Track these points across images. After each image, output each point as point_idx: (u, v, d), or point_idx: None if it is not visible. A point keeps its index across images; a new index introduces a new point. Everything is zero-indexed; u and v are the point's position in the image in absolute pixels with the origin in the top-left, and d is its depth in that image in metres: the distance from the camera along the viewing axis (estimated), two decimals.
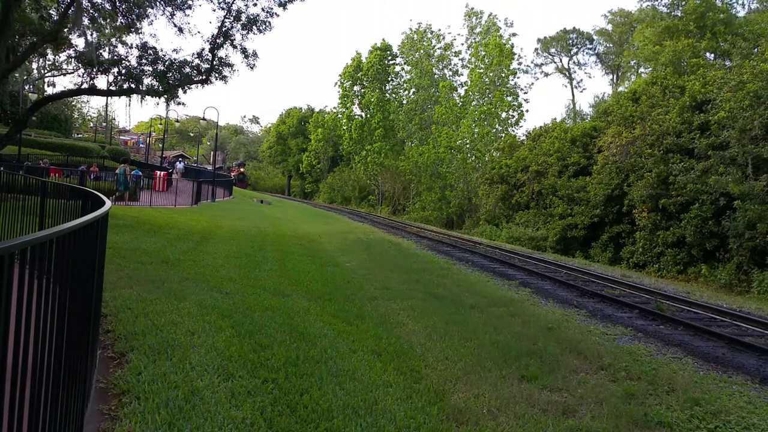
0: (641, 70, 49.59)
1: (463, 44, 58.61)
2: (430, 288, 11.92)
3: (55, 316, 3.03)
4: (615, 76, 64.64)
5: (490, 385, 5.79)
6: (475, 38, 55.01)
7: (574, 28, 66.50)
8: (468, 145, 50.88)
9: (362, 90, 69.93)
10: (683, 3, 36.77)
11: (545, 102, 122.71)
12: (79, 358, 3.66)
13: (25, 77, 31.76)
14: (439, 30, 62.78)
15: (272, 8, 18.95)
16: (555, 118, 45.72)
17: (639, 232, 26.82)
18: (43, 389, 2.69)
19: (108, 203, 4.77)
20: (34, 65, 37.58)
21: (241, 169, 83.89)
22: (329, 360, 5.77)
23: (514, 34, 52.71)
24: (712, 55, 36.67)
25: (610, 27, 63.19)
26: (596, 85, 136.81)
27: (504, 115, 50.78)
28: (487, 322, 8.91)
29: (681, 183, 24.06)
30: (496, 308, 10.37)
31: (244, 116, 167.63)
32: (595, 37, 65.74)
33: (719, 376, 7.62)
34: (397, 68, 68.41)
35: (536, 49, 68.34)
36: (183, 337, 5.71)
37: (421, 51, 62.53)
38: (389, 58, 68.55)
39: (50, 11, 20.32)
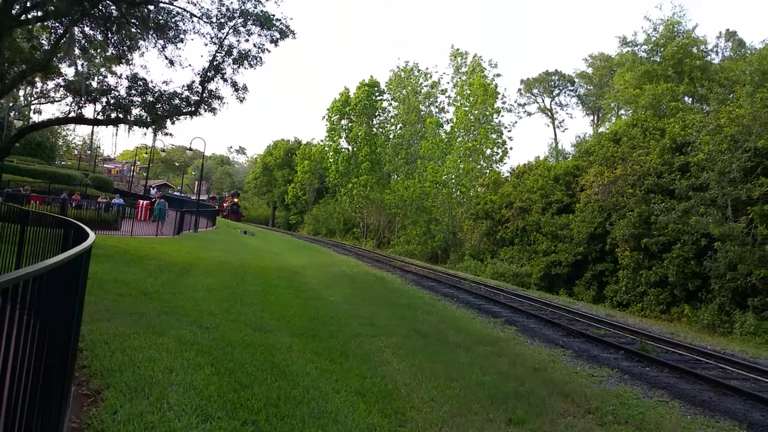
0: (621, 111, 50.77)
1: (449, 82, 59.73)
2: (416, 325, 11.77)
3: (32, 353, 2.91)
4: (596, 117, 66.05)
5: (476, 429, 5.67)
6: (460, 77, 56.08)
7: (555, 70, 68.26)
8: (453, 180, 51.33)
9: (350, 124, 70.59)
10: (662, 49, 37.92)
11: (528, 140, 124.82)
12: (53, 396, 3.51)
13: (11, 104, 31.58)
14: (426, 68, 64.19)
15: (264, 44, 19.13)
16: (538, 156, 46.57)
17: (622, 270, 27.01)
18: (15, 429, 2.55)
19: (92, 235, 4.65)
20: (21, 92, 37.42)
21: (235, 200, 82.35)
22: (311, 401, 5.61)
23: (498, 75, 53.82)
24: (691, 99, 37.73)
25: (590, 70, 64.94)
26: (577, 125, 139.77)
27: (488, 151, 51.50)
28: (474, 361, 8.79)
29: (663, 223, 24.37)
30: (482, 347, 10.25)
31: (231, 147, 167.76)
32: (576, 80, 67.46)
33: (706, 420, 7.56)
34: (385, 104, 69.39)
35: (519, 89, 69.88)
36: (161, 374, 5.52)
37: (409, 88, 63.57)
38: (377, 93, 69.48)
39: (41, 40, 20.31)
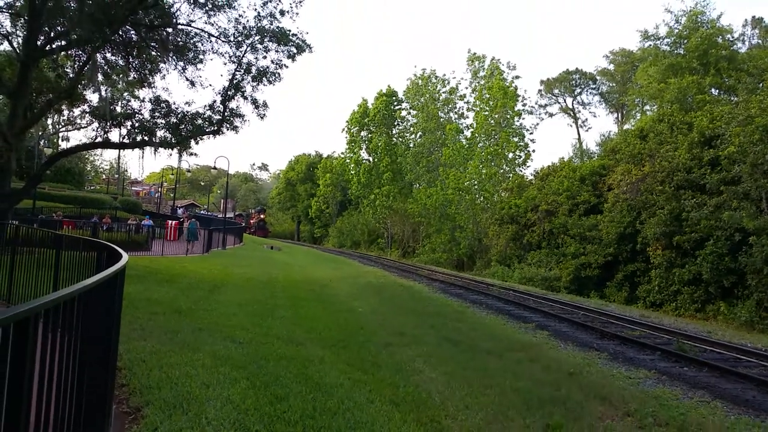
0: (646, 107, 50.01)
1: (467, 88, 59.62)
2: (446, 333, 11.71)
3: (74, 373, 2.98)
4: (620, 114, 65.12)
5: None
6: (479, 81, 55.94)
7: (576, 68, 67.46)
8: (476, 186, 51.08)
9: (369, 135, 70.90)
10: (685, 41, 37.27)
11: (551, 142, 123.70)
12: (96, 414, 3.58)
13: (40, 133, 32.46)
14: (444, 75, 64.11)
15: (281, 60, 19.38)
16: (562, 158, 45.99)
17: (654, 270, 26.49)
18: None
19: (125, 256, 4.75)
20: (50, 121, 38.46)
21: (261, 216, 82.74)
22: (347, 411, 5.62)
23: (517, 77, 53.49)
24: (717, 90, 36.92)
25: (612, 67, 64.00)
26: (601, 123, 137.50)
27: (511, 155, 51.11)
28: (507, 367, 8.70)
29: (694, 219, 23.87)
30: (514, 353, 10.15)
31: (254, 164, 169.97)
32: (597, 77, 66.56)
33: (752, 420, 7.34)
34: (404, 113, 69.56)
35: (540, 90, 69.24)
36: (198, 389, 5.59)
37: (427, 95, 63.60)
38: (395, 103, 69.74)
39: (66, 69, 20.89)
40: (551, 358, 10.13)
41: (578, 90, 68.41)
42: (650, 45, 41.34)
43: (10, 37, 18.82)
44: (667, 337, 14.00)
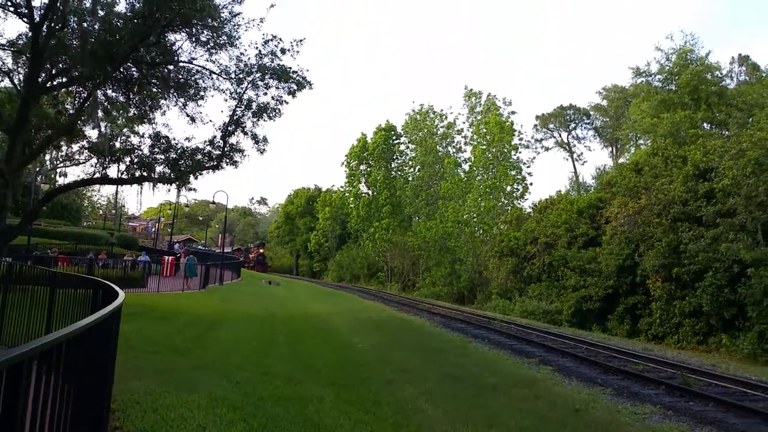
0: (640, 141, 50.47)
1: (464, 122, 60.33)
2: (448, 369, 11.51)
3: (67, 416, 2.88)
4: (614, 148, 65.75)
5: None
6: (476, 117, 56.63)
7: (570, 104, 68.56)
8: (475, 219, 51.15)
9: (368, 168, 71.35)
10: (676, 78, 37.88)
11: (548, 175, 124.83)
12: None
13: (38, 168, 32.53)
14: (441, 110, 64.79)
15: (282, 96, 19.55)
16: (560, 190, 46.26)
17: (655, 302, 26.29)
18: None
19: (121, 294, 4.67)
20: (47, 156, 38.60)
21: (261, 250, 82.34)
22: None
23: (513, 112, 54.25)
24: (709, 125, 37.38)
25: (605, 102, 65.01)
26: (597, 157, 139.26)
27: (509, 188, 51.37)
28: (511, 404, 8.51)
29: (692, 251, 23.81)
30: (518, 389, 9.95)
31: (252, 198, 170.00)
32: (591, 112, 67.52)
33: None
34: (402, 147, 70.13)
35: (535, 125, 70.07)
36: None
37: (425, 130, 64.26)
38: (394, 137, 70.41)
39: (66, 105, 21.05)
40: (556, 394, 9.93)
41: (573, 125, 69.29)
42: (642, 81, 41.98)
43: (11, 74, 19.01)
44: (671, 370, 13.79)
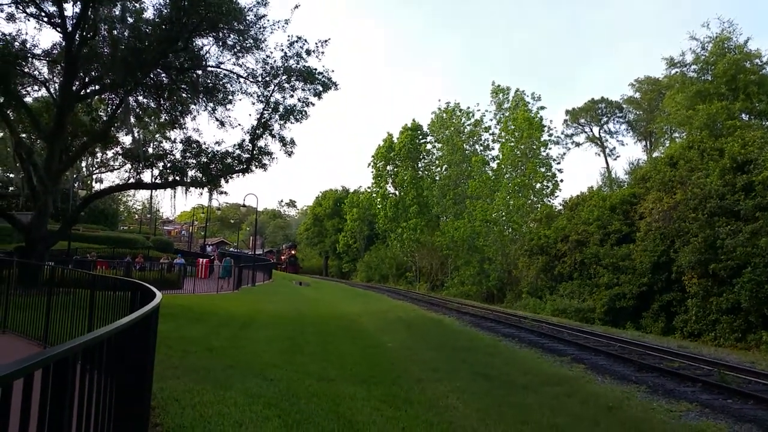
0: (675, 134, 49.31)
1: (492, 120, 59.79)
2: (479, 367, 11.49)
3: (110, 412, 3.00)
4: (648, 142, 64.34)
5: None
6: (503, 113, 56.06)
7: (602, 97, 67.14)
8: (504, 218, 50.69)
9: (395, 169, 71.35)
10: (712, 67, 36.87)
11: (579, 171, 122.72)
12: None
13: (75, 175, 33.45)
14: (468, 107, 64.36)
15: (308, 98, 19.79)
16: (591, 187, 45.49)
17: (691, 299, 25.73)
18: None
19: (159, 295, 4.82)
20: (83, 163, 39.68)
21: (292, 252, 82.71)
22: None
23: (542, 107, 53.22)
24: (748, 116, 36.29)
25: (638, 95, 63.54)
26: (629, 151, 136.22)
27: (538, 186, 50.73)
28: (543, 402, 8.47)
29: (730, 247, 23.23)
30: (550, 387, 9.89)
31: (281, 200, 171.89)
32: (624, 106, 66.07)
33: None
34: (429, 146, 69.89)
35: (565, 120, 68.96)
36: (231, 428, 5.57)
37: (451, 128, 63.92)
38: (420, 136, 70.22)
39: (99, 113, 21.65)
40: (589, 392, 9.83)
41: (604, 119, 67.97)
42: (676, 72, 40.97)
43: (47, 83, 19.67)
44: (707, 368, 13.51)
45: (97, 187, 45.07)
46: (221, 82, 19.81)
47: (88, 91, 19.37)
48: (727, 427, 8.24)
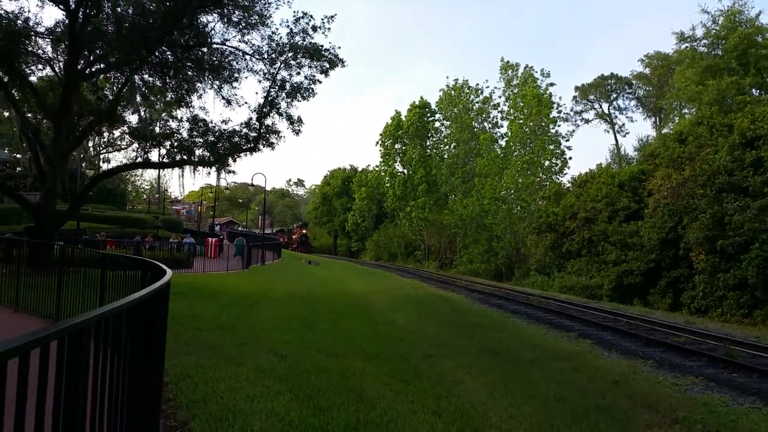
0: (684, 110, 48.70)
1: (500, 97, 59.26)
2: (486, 343, 11.60)
3: (123, 387, 3.07)
4: (657, 118, 63.62)
5: None
6: (512, 90, 55.53)
7: (611, 73, 66.34)
8: (512, 196, 50.58)
9: (403, 147, 71.08)
10: (723, 42, 36.26)
11: (588, 148, 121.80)
12: (144, 428, 3.67)
13: (82, 155, 33.59)
14: (477, 84, 63.69)
15: (315, 75, 19.66)
16: (600, 164, 45.18)
17: (698, 275, 25.71)
18: None
19: (169, 272, 4.88)
20: (91, 143, 39.77)
21: (304, 231, 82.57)
22: (390, 423, 5.61)
23: (551, 84, 52.69)
24: (759, 91, 35.76)
25: (647, 70, 62.66)
26: (639, 128, 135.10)
27: (547, 163, 50.48)
28: (550, 377, 8.56)
29: (738, 223, 23.12)
30: (557, 362, 9.98)
31: (289, 179, 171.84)
32: (633, 82, 65.24)
33: None
34: (437, 124, 69.48)
35: (575, 97, 68.30)
36: (243, 402, 5.68)
37: (460, 106, 63.41)
38: (428, 114, 69.74)
39: (105, 92, 21.57)
40: (595, 366, 9.92)
41: (614, 95, 67.22)
42: (687, 47, 40.33)
43: (52, 62, 19.55)
44: (713, 343, 13.57)
45: (104, 166, 45.25)
46: (227, 60, 19.68)
47: (93, 69, 19.25)
48: (731, 400, 8.31)
